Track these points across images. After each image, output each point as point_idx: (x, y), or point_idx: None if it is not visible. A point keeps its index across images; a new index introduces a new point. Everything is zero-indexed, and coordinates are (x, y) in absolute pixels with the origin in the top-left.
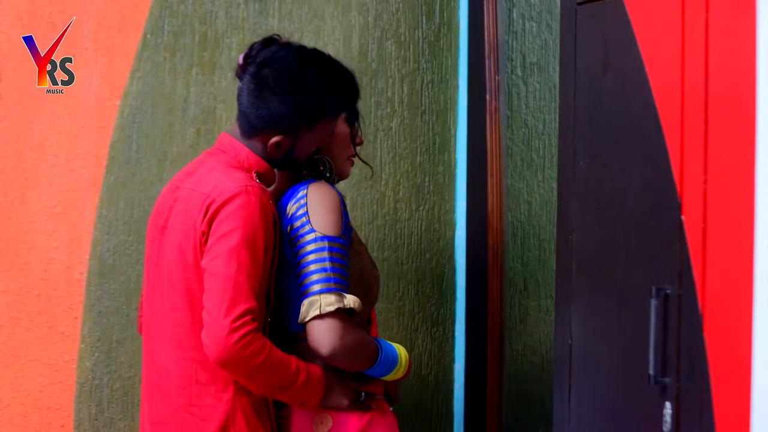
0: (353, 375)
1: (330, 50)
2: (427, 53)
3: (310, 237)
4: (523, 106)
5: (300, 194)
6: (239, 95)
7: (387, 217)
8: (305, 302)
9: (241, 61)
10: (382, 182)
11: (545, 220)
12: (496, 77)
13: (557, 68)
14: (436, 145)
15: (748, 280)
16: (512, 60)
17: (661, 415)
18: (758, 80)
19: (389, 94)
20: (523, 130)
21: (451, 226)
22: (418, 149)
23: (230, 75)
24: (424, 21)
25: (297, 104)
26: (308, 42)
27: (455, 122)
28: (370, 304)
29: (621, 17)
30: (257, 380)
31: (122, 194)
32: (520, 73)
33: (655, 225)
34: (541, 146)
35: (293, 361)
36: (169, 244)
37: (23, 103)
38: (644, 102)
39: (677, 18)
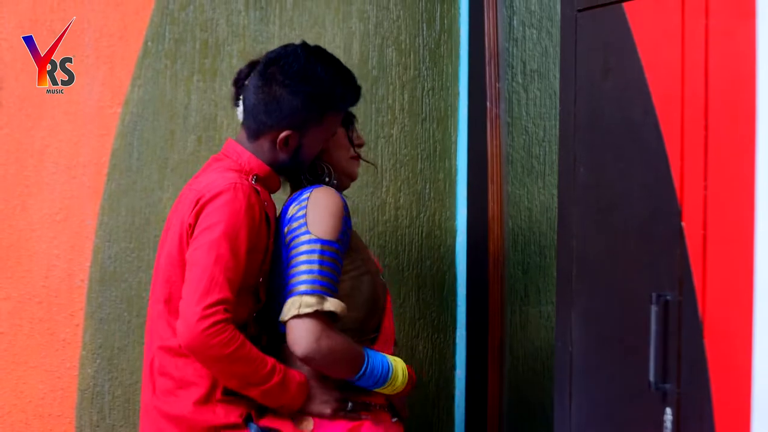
0: (343, 384)
1: None
2: (427, 60)
3: (304, 238)
4: (524, 113)
5: (303, 197)
6: (244, 97)
7: (388, 224)
8: (288, 301)
9: (232, 87)
10: (383, 189)
11: (546, 227)
12: (497, 84)
13: (557, 75)
14: (437, 152)
15: (748, 286)
16: (513, 67)
17: (661, 421)
18: (758, 86)
19: (390, 101)
20: (524, 136)
21: (452, 232)
22: (419, 156)
23: (231, 82)
24: (424, 28)
25: (308, 94)
26: None
27: (456, 129)
28: (377, 315)
29: (621, 24)
30: (224, 371)
31: (123, 201)
32: (520, 80)
33: (655, 231)
34: (541, 153)
35: (269, 361)
36: (166, 242)
37: (24, 110)
38: (644, 108)
39: (677, 24)
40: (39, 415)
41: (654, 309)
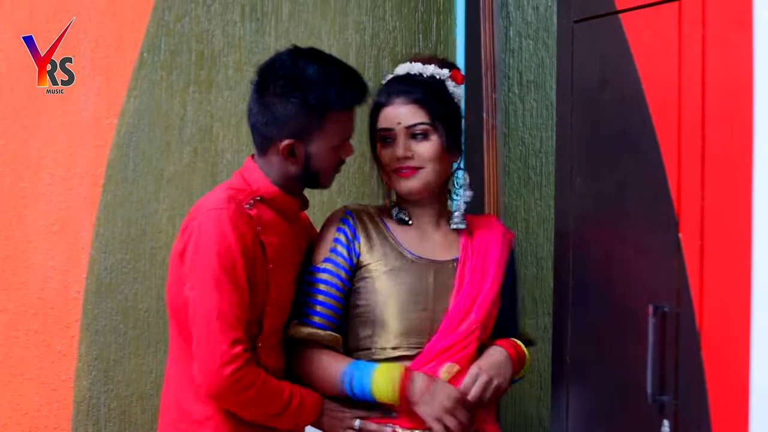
0: (358, 404)
1: None
2: None
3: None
4: (520, 124)
5: None
6: (248, 114)
7: None
8: None
9: None
10: (380, 201)
11: (543, 238)
12: (493, 95)
13: (554, 86)
14: None
15: (745, 297)
16: (509, 78)
17: None
18: (755, 97)
19: None
20: (520, 147)
21: None
22: None
23: (227, 93)
24: (420, 39)
25: (300, 99)
26: None
27: None
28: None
29: (618, 34)
30: (249, 411)
31: (119, 213)
32: (517, 91)
33: (652, 242)
34: (538, 164)
35: (286, 388)
36: None
37: (20, 121)
38: (641, 119)
39: (674, 35)
40: (35, 427)
41: (651, 320)
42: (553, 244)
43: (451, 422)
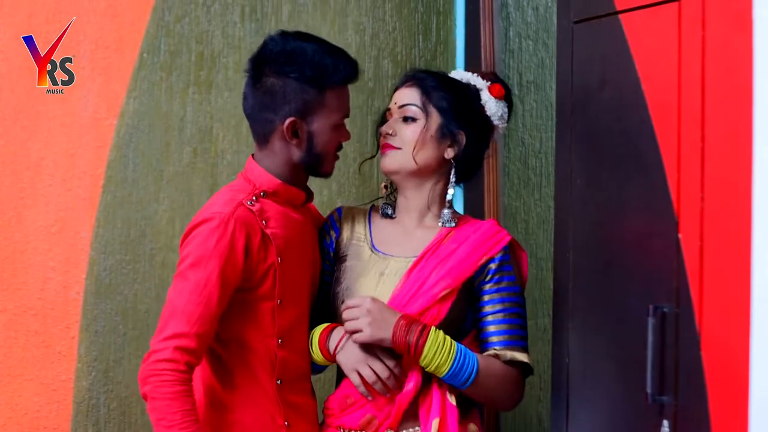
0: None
1: None
2: None
3: None
4: (520, 125)
5: None
6: (244, 107)
7: None
8: None
9: None
10: (380, 201)
11: (542, 239)
12: None
13: (554, 86)
14: None
15: (745, 297)
16: (509, 78)
17: None
18: (755, 97)
19: None
20: (520, 148)
21: None
22: None
23: (227, 94)
24: (420, 40)
25: (298, 73)
26: None
27: None
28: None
29: (617, 35)
30: (149, 407)
31: (119, 214)
32: (516, 92)
33: (652, 243)
34: (538, 165)
35: (185, 420)
36: None
37: (19, 122)
38: (641, 119)
39: (674, 35)
40: (35, 428)
41: (651, 321)
42: (552, 244)
43: (366, 372)
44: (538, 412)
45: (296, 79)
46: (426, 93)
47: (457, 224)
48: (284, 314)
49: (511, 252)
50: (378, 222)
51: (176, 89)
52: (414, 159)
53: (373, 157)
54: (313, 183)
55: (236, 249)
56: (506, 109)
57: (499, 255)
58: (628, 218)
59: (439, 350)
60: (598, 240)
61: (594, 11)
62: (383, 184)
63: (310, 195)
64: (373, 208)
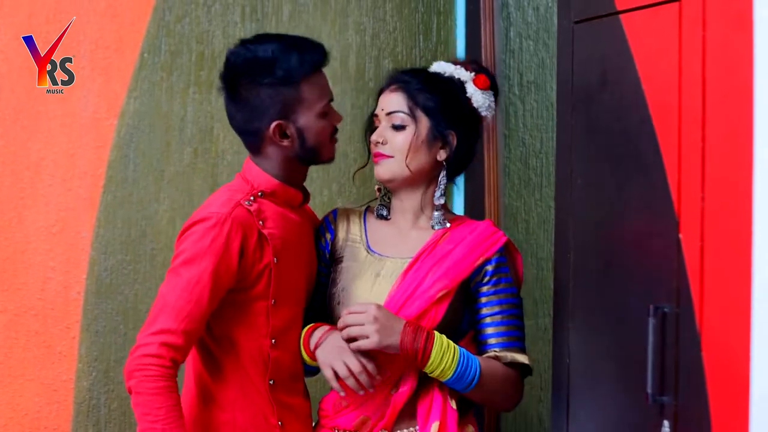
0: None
1: (326, 70)
2: None
3: None
4: (521, 125)
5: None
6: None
7: None
8: None
9: None
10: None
11: (543, 239)
12: None
13: (554, 87)
14: None
15: (746, 298)
16: (509, 78)
17: None
18: (755, 97)
19: None
20: (521, 148)
21: None
22: None
23: None
24: (421, 40)
25: (270, 80)
26: None
27: None
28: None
29: (618, 35)
30: (133, 402)
31: (119, 214)
32: (517, 92)
33: (652, 243)
34: (538, 165)
35: (168, 416)
36: None
37: (20, 122)
38: (641, 120)
39: (674, 35)
40: (35, 428)
41: (651, 321)
42: (553, 244)
43: (340, 368)
44: (539, 412)
45: (269, 84)
46: (412, 97)
47: (451, 225)
48: (278, 314)
49: (507, 253)
50: (373, 223)
51: (177, 89)
52: (407, 166)
53: (364, 166)
54: (314, 183)
55: (231, 249)
56: (493, 99)
57: (496, 256)
58: (628, 218)
59: (445, 355)
60: (598, 240)
61: (594, 11)
62: (377, 187)
63: (307, 196)
64: (368, 210)
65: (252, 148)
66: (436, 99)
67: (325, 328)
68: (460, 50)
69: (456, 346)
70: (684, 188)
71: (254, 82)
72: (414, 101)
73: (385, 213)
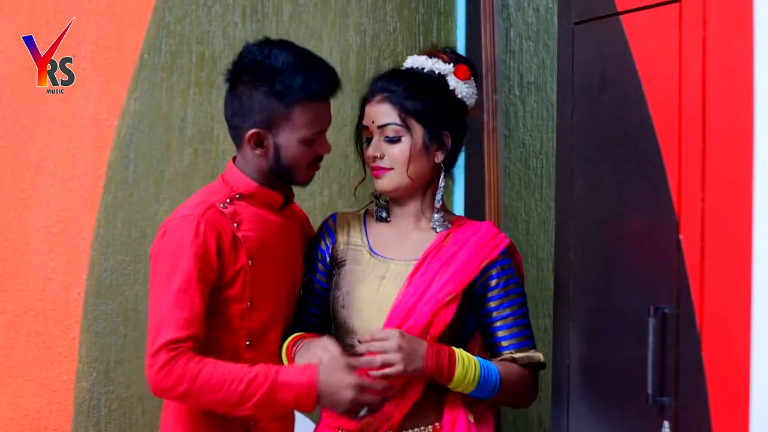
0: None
1: None
2: None
3: None
4: (521, 126)
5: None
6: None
7: None
8: None
9: None
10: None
11: (543, 240)
12: (494, 97)
13: (555, 87)
14: None
15: (746, 298)
16: (509, 79)
17: None
18: (755, 98)
19: None
20: (521, 149)
21: None
22: None
23: None
24: (421, 41)
25: (266, 88)
26: None
27: None
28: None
29: (618, 36)
30: (195, 404)
31: (120, 214)
32: (517, 93)
33: (653, 244)
34: (538, 165)
35: (246, 376)
36: None
37: (20, 122)
38: (642, 120)
39: (674, 36)
40: (35, 428)
41: (652, 322)
42: (553, 245)
43: (364, 400)
44: (539, 412)
45: (264, 92)
46: (401, 107)
47: (452, 226)
48: (253, 317)
49: (510, 254)
50: (374, 226)
51: (177, 90)
52: (409, 176)
53: (363, 180)
54: (314, 183)
55: (209, 249)
56: (474, 86)
57: (500, 259)
58: (628, 219)
59: (468, 371)
60: (598, 240)
61: (595, 12)
62: (372, 192)
63: (289, 198)
64: (367, 213)
65: (234, 141)
66: (425, 102)
67: (311, 339)
68: (460, 51)
69: (475, 358)
70: (684, 188)
71: (252, 84)
72: (404, 111)
73: (384, 215)
